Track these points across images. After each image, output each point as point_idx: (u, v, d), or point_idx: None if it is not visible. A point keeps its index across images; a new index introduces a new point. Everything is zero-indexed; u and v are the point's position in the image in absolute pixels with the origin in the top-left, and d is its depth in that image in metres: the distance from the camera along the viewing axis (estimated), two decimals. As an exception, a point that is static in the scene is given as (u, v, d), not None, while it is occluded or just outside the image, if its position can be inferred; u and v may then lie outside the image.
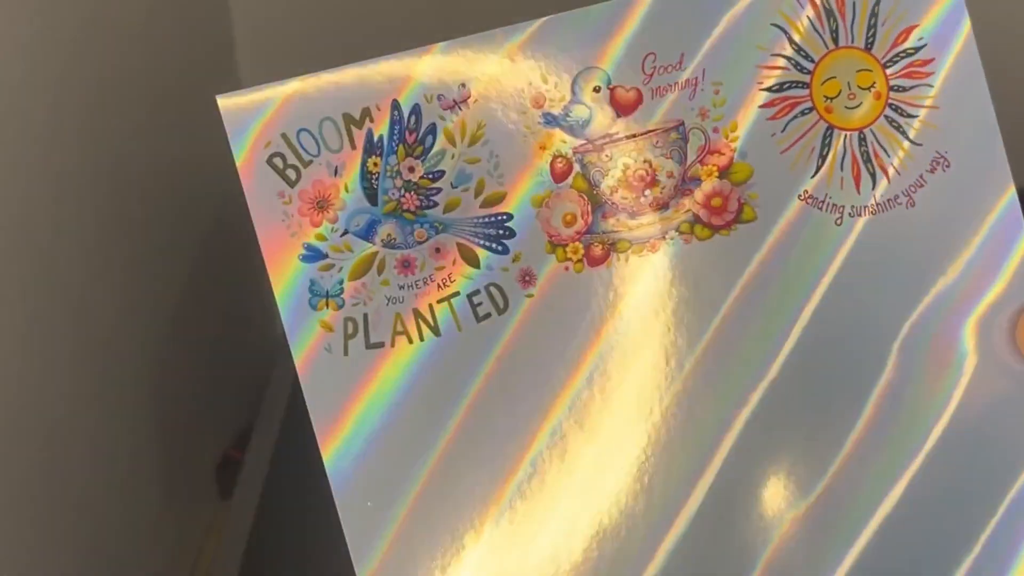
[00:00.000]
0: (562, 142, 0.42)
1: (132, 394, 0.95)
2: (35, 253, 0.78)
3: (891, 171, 0.43)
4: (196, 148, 1.07)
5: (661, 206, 0.43)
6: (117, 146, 0.90)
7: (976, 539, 0.43)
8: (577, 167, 0.42)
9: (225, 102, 0.42)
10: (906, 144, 0.43)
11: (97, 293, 0.88)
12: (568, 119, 0.42)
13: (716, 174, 0.42)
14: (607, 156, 0.42)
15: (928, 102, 0.43)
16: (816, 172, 0.43)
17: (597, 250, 0.43)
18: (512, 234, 0.42)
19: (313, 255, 0.43)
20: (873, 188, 0.43)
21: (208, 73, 1.09)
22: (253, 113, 0.42)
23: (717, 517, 0.43)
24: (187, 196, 1.05)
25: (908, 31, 0.43)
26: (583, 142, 0.42)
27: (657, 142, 0.42)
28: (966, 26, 0.42)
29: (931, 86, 0.43)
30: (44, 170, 0.79)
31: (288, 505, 0.98)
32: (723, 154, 0.42)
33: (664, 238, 0.43)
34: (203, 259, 1.08)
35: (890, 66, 0.43)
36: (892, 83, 0.43)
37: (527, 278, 0.43)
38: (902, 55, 0.43)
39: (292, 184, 0.42)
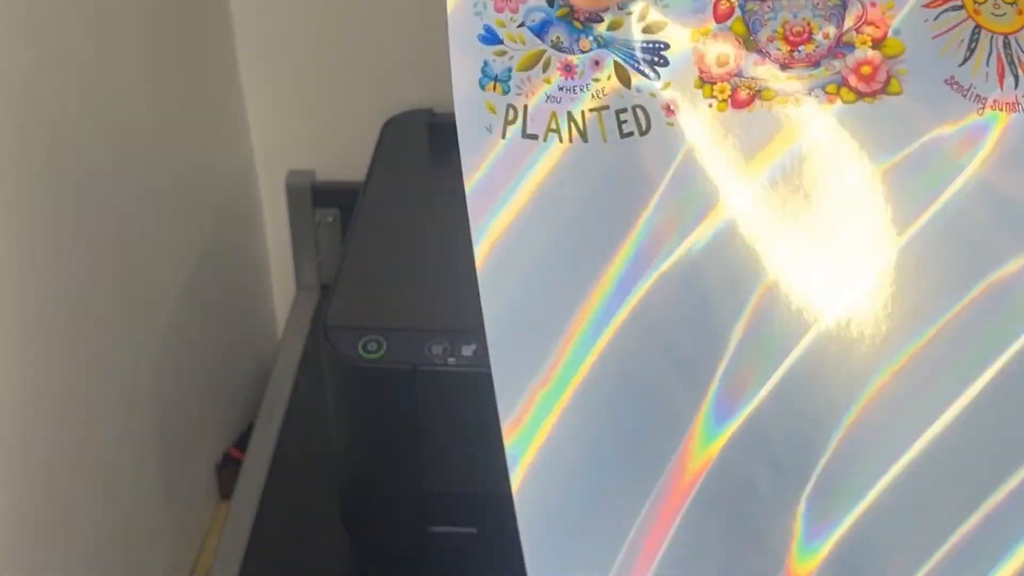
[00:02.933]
0: None
1: (132, 394, 0.95)
2: (35, 253, 0.78)
3: None
4: (198, 149, 1.07)
5: (812, 64, 0.44)
6: (118, 147, 0.90)
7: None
8: (739, 11, 0.44)
9: None
10: None
11: (97, 293, 0.88)
12: None
13: (870, 44, 0.44)
14: (769, 7, 0.44)
15: None
16: (964, 62, 0.44)
17: (743, 93, 0.44)
18: (666, 63, 0.45)
19: (491, 38, 0.45)
20: (1016, 87, 0.44)
21: (208, 72, 1.09)
22: None
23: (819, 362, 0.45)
24: (188, 196, 1.05)
25: None
26: None
27: (818, 3, 0.44)
28: None
29: None
30: (44, 170, 0.79)
31: (288, 505, 0.98)
32: (879, 27, 0.44)
33: (809, 94, 0.44)
34: (204, 259, 1.08)
35: None
36: None
37: (671, 107, 0.45)
38: None
39: None
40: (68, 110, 0.82)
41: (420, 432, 0.83)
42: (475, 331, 0.80)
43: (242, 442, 1.13)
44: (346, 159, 1.13)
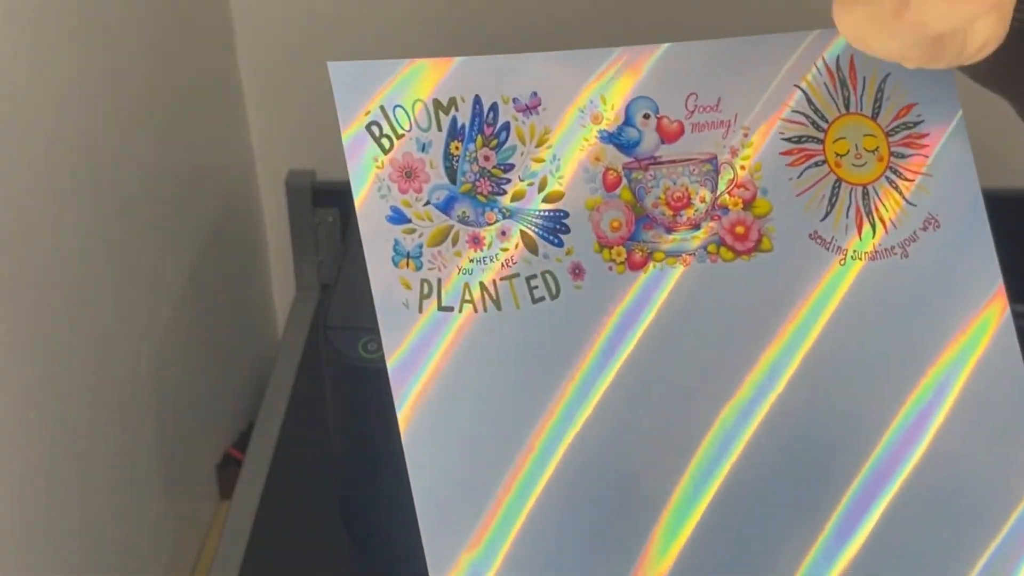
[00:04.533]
0: (614, 157, 0.48)
1: (132, 394, 0.95)
2: (36, 253, 0.78)
3: (888, 224, 0.49)
4: (199, 150, 1.07)
5: (694, 226, 0.49)
6: (118, 148, 0.90)
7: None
8: (625, 181, 0.48)
9: (336, 66, 0.50)
10: (902, 202, 0.49)
11: (98, 293, 0.88)
12: (620, 138, 0.48)
13: (741, 205, 0.49)
14: (651, 175, 0.48)
15: (922, 169, 0.49)
16: (825, 216, 0.49)
17: (637, 255, 0.48)
18: (567, 230, 0.48)
19: (398, 218, 0.48)
20: (873, 236, 0.49)
21: (208, 72, 1.09)
22: (359, 82, 0.49)
23: (723, 525, 0.49)
24: (189, 197, 1.05)
25: (908, 107, 0.49)
26: (631, 160, 0.48)
27: (693, 170, 0.49)
28: (958, 113, 0.49)
29: (926, 156, 0.49)
30: (44, 169, 0.79)
31: (288, 505, 0.98)
32: (748, 189, 0.49)
33: (694, 254, 0.49)
34: (204, 260, 1.08)
35: (892, 135, 0.49)
36: (893, 149, 0.49)
37: (577, 271, 0.48)
38: (902, 127, 0.49)
39: (385, 151, 0.48)
40: (68, 110, 0.82)
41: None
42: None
43: (242, 442, 1.13)
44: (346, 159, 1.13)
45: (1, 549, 0.76)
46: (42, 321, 0.79)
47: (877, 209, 0.49)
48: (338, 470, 0.91)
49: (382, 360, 0.85)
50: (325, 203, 1.16)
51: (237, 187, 1.16)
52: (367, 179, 0.48)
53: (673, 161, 0.48)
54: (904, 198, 0.49)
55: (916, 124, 0.49)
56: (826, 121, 0.49)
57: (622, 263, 0.48)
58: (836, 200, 0.49)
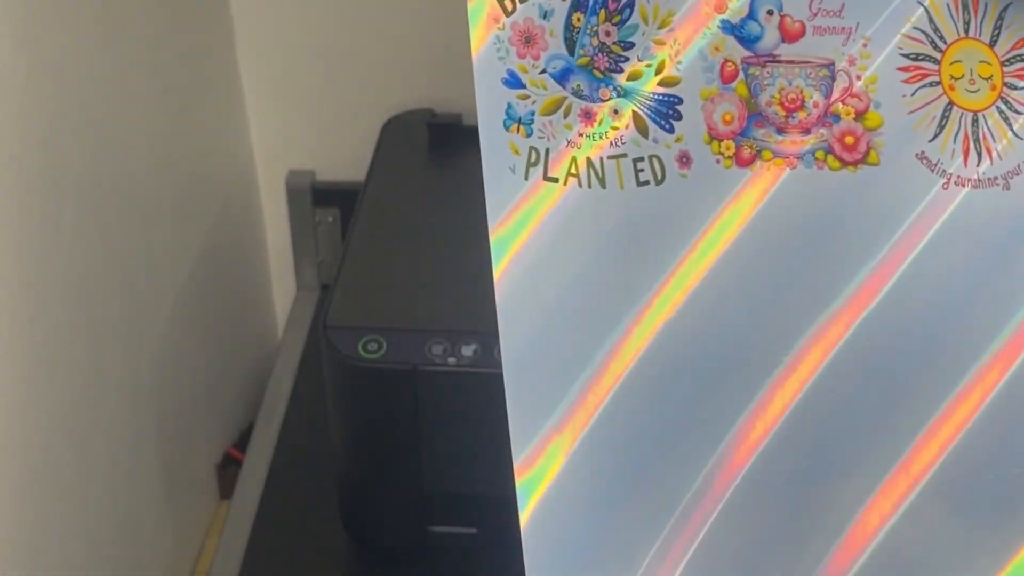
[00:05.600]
0: (734, 49, 0.48)
1: (132, 394, 0.95)
2: (35, 253, 0.78)
3: (995, 154, 0.48)
4: (198, 149, 1.07)
5: (804, 130, 0.48)
6: (118, 147, 0.90)
7: None
8: (742, 75, 0.48)
9: None
10: (1010, 135, 0.48)
11: (97, 293, 0.88)
12: (743, 31, 0.48)
13: (853, 115, 0.48)
14: (768, 73, 0.48)
15: None
16: (934, 138, 0.48)
17: (746, 152, 0.48)
18: (679, 116, 0.48)
19: (514, 82, 0.48)
20: (978, 164, 0.48)
21: (208, 72, 1.09)
22: None
23: (797, 437, 0.49)
24: (189, 197, 1.05)
25: None
26: (750, 54, 0.48)
27: (810, 73, 0.48)
28: None
29: None
30: (44, 169, 0.79)
31: (288, 505, 0.98)
32: (861, 100, 0.48)
33: (801, 159, 0.48)
34: (204, 259, 1.08)
35: (1007, 64, 0.48)
36: (1006, 80, 0.48)
37: (684, 159, 0.48)
38: (1018, 58, 0.48)
39: (508, 13, 0.47)
40: (68, 110, 0.82)
41: (420, 432, 0.83)
42: (475, 331, 0.81)
43: (242, 442, 1.13)
44: (346, 159, 1.13)
45: (0, 549, 0.76)
46: (41, 321, 0.79)
47: (985, 138, 0.48)
48: (338, 470, 0.91)
49: (382, 360, 0.85)
50: (325, 203, 1.16)
51: (237, 187, 1.16)
52: (487, 38, 0.47)
53: (791, 61, 0.48)
54: (1012, 130, 0.48)
55: None
56: (944, 42, 0.48)
57: (730, 157, 0.48)
58: (946, 123, 0.48)
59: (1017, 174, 0.48)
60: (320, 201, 1.16)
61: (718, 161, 0.48)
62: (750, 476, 0.49)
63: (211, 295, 1.10)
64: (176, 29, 1.01)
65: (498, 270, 0.48)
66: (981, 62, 0.48)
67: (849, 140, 0.48)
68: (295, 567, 0.94)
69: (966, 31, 0.48)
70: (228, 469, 1.14)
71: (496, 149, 0.48)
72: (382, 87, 1.11)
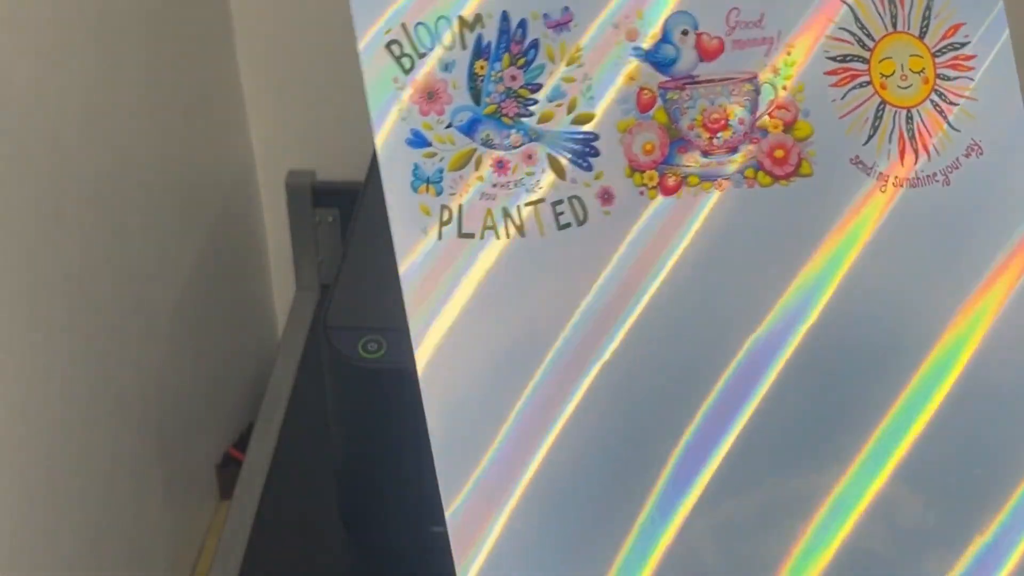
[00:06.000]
0: (649, 76, 0.46)
1: (132, 394, 0.95)
2: (35, 253, 0.78)
3: (931, 150, 0.47)
4: (199, 150, 1.07)
5: (730, 149, 0.47)
6: (118, 148, 0.90)
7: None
8: (660, 101, 0.46)
9: None
10: (946, 127, 0.47)
11: (97, 293, 0.88)
12: (657, 56, 0.46)
13: (782, 128, 0.47)
14: (687, 95, 0.46)
15: (967, 93, 0.47)
16: (867, 141, 0.47)
17: (670, 180, 0.47)
18: (596, 153, 0.46)
19: (418, 141, 0.46)
20: (915, 163, 0.47)
21: (208, 72, 1.09)
22: (378, 1, 0.46)
23: (747, 462, 0.47)
24: (189, 197, 1.05)
25: (956, 27, 0.47)
26: (667, 79, 0.46)
27: (733, 90, 0.46)
28: (1005, 33, 0.47)
29: (971, 80, 0.47)
30: (44, 170, 0.79)
31: (288, 505, 0.98)
32: (789, 110, 0.47)
33: (730, 179, 0.47)
34: (204, 259, 1.08)
35: (938, 56, 0.47)
36: (939, 71, 0.47)
37: (606, 196, 0.47)
38: (949, 48, 0.47)
39: (406, 72, 0.46)
40: (68, 111, 0.82)
41: (420, 432, 0.83)
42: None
43: (242, 442, 1.13)
44: (346, 159, 1.13)
45: (0, 549, 0.76)
46: (41, 321, 0.79)
47: (920, 134, 0.47)
48: (338, 470, 0.91)
49: (382, 360, 0.85)
50: (325, 203, 1.16)
51: (237, 187, 1.16)
52: (386, 99, 0.46)
53: (712, 80, 0.46)
54: (948, 123, 0.47)
55: (963, 45, 0.47)
56: (872, 39, 0.47)
57: (654, 188, 0.47)
58: (879, 123, 0.47)
59: (956, 168, 0.47)
60: (320, 201, 1.16)
61: (642, 193, 0.46)
62: (704, 498, 0.48)
63: (211, 295, 1.10)
64: (176, 29, 1.01)
65: (418, 338, 0.46)
66: (912, 56, 0.47)
67: (779, 154, 0.47)
68: (295, 567, 0.94)
69: (894, 25, 0.47)
70: (228, 469, 1.14)
71: (406, 213, 0.46)
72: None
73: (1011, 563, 0.47)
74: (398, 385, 0.82)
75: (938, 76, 0.47)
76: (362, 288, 0.87)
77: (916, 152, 0.47)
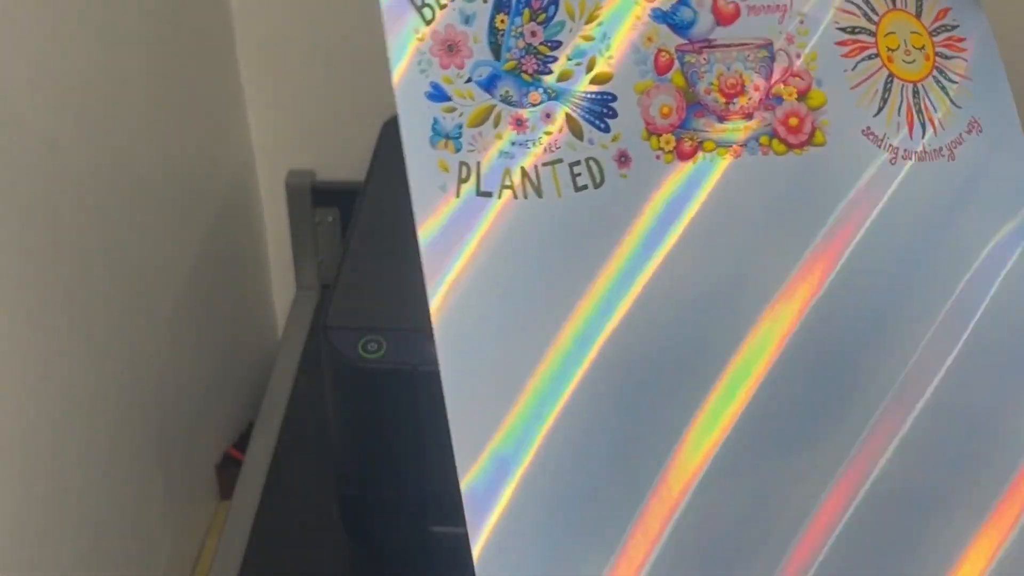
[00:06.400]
0: (667, 38, 0.46)
1: (132, 394, 0.95)
2: (35, 253, 0.78)
3: (937, 124, 0.47)
4: (198, 149, 1.07)
5: (746, 115, 0.47)
6: (117, 147, 0.90)
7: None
8: (677, 64, 0.46)
9: None
10: (948, 103, 0.48)
11: (97, 293, 0.88)
12: (675, 17, 0.46)
13: (796, 96, 0.47)
14: (704, 59, 0.46)
15: (964, 72, 0.48)
16: (878, 112, 0.47)
17: (686, 145, 0.46)
18: (614, 114, 0.46)
19: (438, 95, 0.45)
20: (923, 136, 0.47)
21: (208, 72, 1.09)
22: None
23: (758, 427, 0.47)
24: (189, 197, 1.05)
25: (945, 11, 0.48)
26: (685, 41, 0.46)
27: (748, 56, 0.47)
28: (984, 22, 0.48)
29: (966, 60, 0.48)
30: (43, 169, 0.79)
31: (288, 505, 0.98)
32: (803, 79, 0.47)
33: (745, 146, 0.47)
34: (204, 259, 1.08)
35: (935, 35, 0.48)
36: (937, 50, 0.48)
37: (623, 159, 0.46)
38: (943, 28, 0.48)
39: (427, 22, 0.45)
40: (68, 110, 0.82)
41: (420, 432, 0.83)
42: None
43: (242, 442, 1.13)
44: (346, 159, 1.13)
45: (0, 549, 0.76)
46: (41, 320, 0.79)
47: (927, 108, 0.47)
48: (338, 470, 0.91)
49: (382, 360, 0.85)
50: (325, 203, 1.16)
51: (237, 187, 1.16)
52: (407, 52, 0.45)
53: (728, 45, 0.46)
54: (950, 99, 0.47)
55: (954, 27, 0.48)
56: (876, 13, 0.47)
57: (671, 152, 0.46)
58: (888, 96, 0.47)
59: (959, 144, 0.47)
60: (320, 201, 1.16)
61: (658, 157, 0.46)
62: (708, 477, 0.47)
63: (211, 295, 1.10)
64: (176, 29, 1.01)
65: (436, 296, 0.46)
66: (912, 32, 0.47)
67: (793, 122, 0.47)
68: (295, 567, 0.94)
69: (893, 3, 0.47)
70: (228, 469, 1.14)
71: (424, 168, 0.46)
72: (382, 87, 1.10)
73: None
74: (398, 385, 0.82)
75: (937, 54, 0.48)
76: (362, 288, 0.87)
77: (924, 126, 0.47)
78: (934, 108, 0.47)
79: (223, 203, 1.13)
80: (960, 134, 0.47)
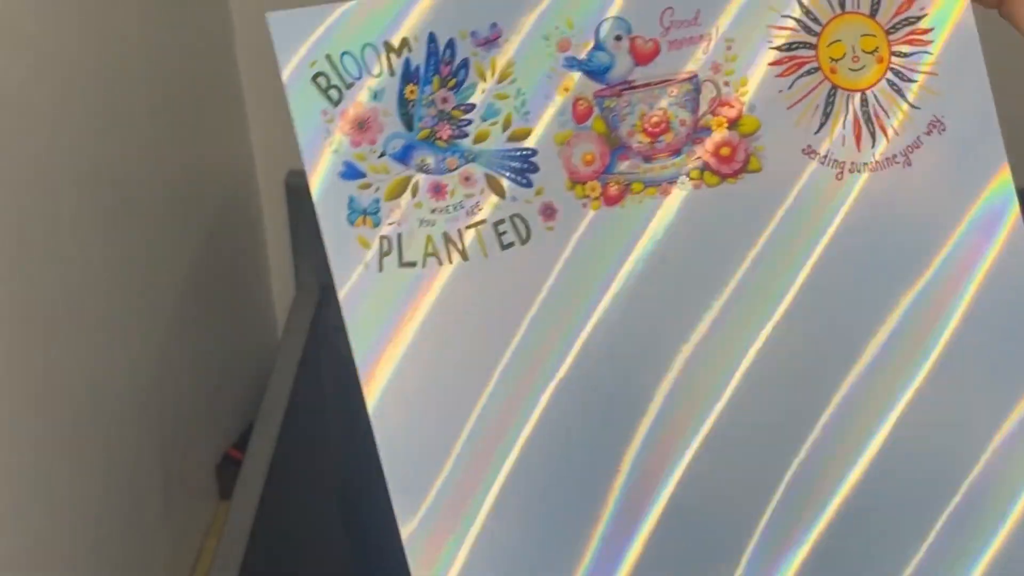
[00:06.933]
0: (584, 85, 0.45)
1: (131, 394, 0.95)
2: (35, 253, 0.78)
3: (890, 132, 0.45)
4: (199, 150, 1.07)
5: (674, 152, 0.45)
6: (118, 147, 0.90)
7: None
8: (597, 110, 0.45)
9: (275, 18, 0.46)
10: (905, 106, 0.45)
11: (97, 293, 0.88)
12: (591, 64, 0.45)
13: (726, 125, 0.45)
14: (625, 102, 0.45)
15: (927, 68, 0.45)
16: (820, 128, 0.45)
17: (613, 189, 0.45)
18: (536, 169, 0.45)
19: (352, 173, 0.45)
20: (873, 146, 0.45)
21: (208, 72, 1.09)
22: (300, 32, 0.45)
23: (721, 453, 0.46)
24: (189, 197, 1.05)
25: (910, 1, 0.45)
26: (603, 87, 0.45)
27: (672, 92, 0.45)
28: (959, 2, 0.45)
29: (930, 52, 0.45)
30: (44, 169, 0.79)
31: (288, 505, 0.98)
32: (733, 107, 0.45)
33: (676, 183, 0.45)
34: (204, 260, 1.08)
35: (892, 32, 0.45)
36: (894, 49, 0.45)
37: (548, 211, 0.45)
38: (904, 23, 0.45)
39: (334, 104, 0.45)
40: (68, 110, 0.82)
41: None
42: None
43: (242, 442, 1.13)
44: (346, 159, 1.13)
45: (0, 549, 0.76)
46: (41, 321, 0.79)
47: (877, 116, 0.45)
48: (338, 470, 0.91)
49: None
50: (325, 203, 1.16)
51: (237, 187, 1.16)
52: (316, 133, 0.45)
53: (649, 84, 0.45)
54: (907, 101, 0.45)
55: (919, 18, 0.45)
56: (819, 24, 0.45)
57: (597, 199, 0.45)
58: (832, 110, 0.45)
59: (917, 148, 0.45)
60: (320, 201, 1.16)
61: (584, 205, 0.45)
62: (672, 504, 0.46)
63: (211, 295, 1.10)
64: (176, 29, 1.01)
65: (366, 374, 0.46)
66: (864, 35, 0.45)
67: (725, 151, 0.45)
68: (295, 567, 0.94)
69: (842, 6, 0.45)
70: (228, 469, 1.14)
71: (344, 247, 0.46)
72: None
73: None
74: (398, 385, 0.82)
75: (893, 54, 0.45)
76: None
77: (873, 135, 0.45)
78: (886, 115, 0.45)
79: (223, 203, 1.13)
80: (918, 137, 0.45)
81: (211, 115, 1.10)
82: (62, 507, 0.84)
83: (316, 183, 0.46)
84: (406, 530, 0.47)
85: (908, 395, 0.46)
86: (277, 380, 1.10)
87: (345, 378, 0.84)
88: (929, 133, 0.45)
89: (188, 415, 1.07)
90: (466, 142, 0.45)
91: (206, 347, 1.10)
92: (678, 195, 0.45)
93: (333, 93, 0.45)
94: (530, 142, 0.45)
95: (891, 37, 0.45)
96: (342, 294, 0.45)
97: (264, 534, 0.95)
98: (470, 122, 0.45)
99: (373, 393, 0.47)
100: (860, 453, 0.47)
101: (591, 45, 0.45)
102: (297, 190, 1.16)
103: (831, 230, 0.46)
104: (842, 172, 0.46)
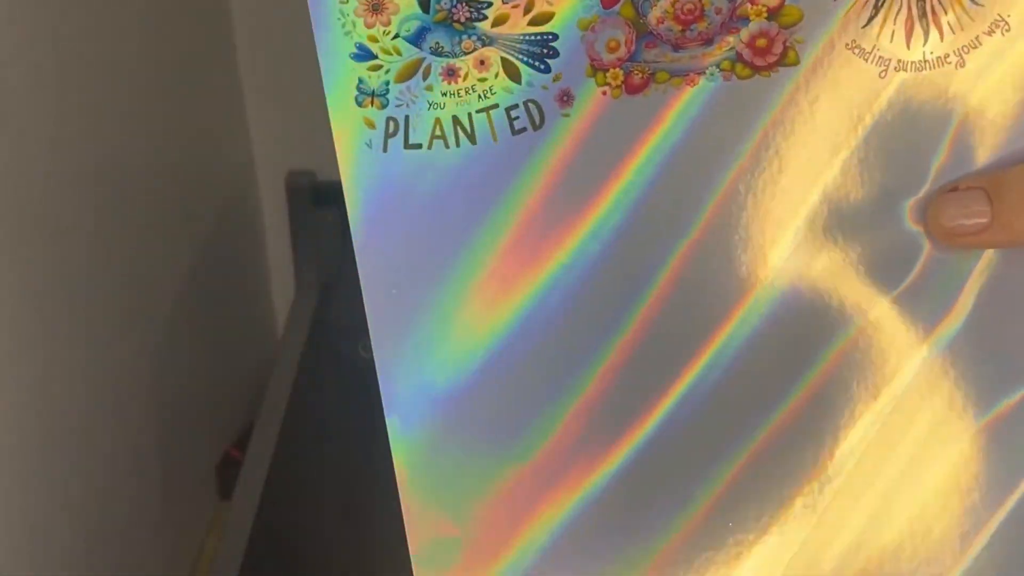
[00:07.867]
0: None
1: (131, 393, 0.95)
2: (35, 253, 0.78)
3: (946, 28, 0.42)
4: (199, 150, 1.07)
5: (705, 41, 0.42)
6: (118, 147, 0.90)
7: None
8: None
9: None
10: (967, 2, 0.42)
11: (97, 292, 0.88)
12: None
13: (765, 15, 0.42)
14: None
15: None
16: (868, 23, 0.42)
17: (636, 78, 0.43)
18: (555, 54, 0.43)
19: (363, 55, 0.44)
20: (924, 44, 0.42)
21: (208, 72, 1.09)
22: None
23: (731, 364, 0.45)
24: (189, 197, 1.05)
25: None
26: None
27: None
28: None
29: None
30: (44, 169, 0.79)
31: (288, 505, 0.98)
32: None
33: (704, 73, 0.42)
34: (204, 259, 1.08)
35: None
36: None
37: (565, 98, 0.43)
38: None
39: None
40: (68, 110, 0.82)
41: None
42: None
43: (242, 442, 1.13)
44: (346, 159, 1.13)
45: (0, 549, 0.76)
46: (41, 320, 0.79)
47: (934, 12, 0.42)
48: (338, 470, 0.91)
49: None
50: (325, 203, 1.16)
51: (237, 187, 1.16)
52: (329, 14, 0.43)
53: None
54: None
55: None
56: None
57: (618, 87, 0.43)
58: (883, 2, 0.42)
59: (975, 47, 0.42)
60: (320, 201, 1.16)
61: (604, 93, 0.42)
62: (659, 432, 0.45)
63: (211, 295, 1.10)
64: (176, 29, 1.01)
65: (360, 250, 0.44)
66: None
67: (762, 43, 0.42)
68: (295, 567, 0.94)
69: None
70: (228, 469, 1.14)
71: (349, 128, 0.44)
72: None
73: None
74: (398, 385, 0.82)
75: None
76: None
77: (927, 32, 0.42)
78: (944, 9, 0.41)
79: (223, 203, 1.13)
80: (977, 36, 0.41)
81: (211, 115, 1.10)
82: (63, 506, 0.84)
83: (326, 65, 0.45)
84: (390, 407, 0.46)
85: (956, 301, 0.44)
86: (277, 380, 1.10)
87: (345, 378, 0.84)
88: (990, 33, 0.42)
89: (188, 415, 1.07)
90: (484, 25, 0.43)
91: (206, 347, 1.10)
92: (706, 86, 0.42)
93: None
94: (552, 26, 0.43)
95: None
96: (344, 173, 0.44)
97: (264, 534, 0.95)
98: (490, 4, 0.42)
99: (369, 281, 0.46)
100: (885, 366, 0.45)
101: None
102: (297, 190, 1.16)
103: (864, 131, 0.43)
104: (886, 70, 0.42)
